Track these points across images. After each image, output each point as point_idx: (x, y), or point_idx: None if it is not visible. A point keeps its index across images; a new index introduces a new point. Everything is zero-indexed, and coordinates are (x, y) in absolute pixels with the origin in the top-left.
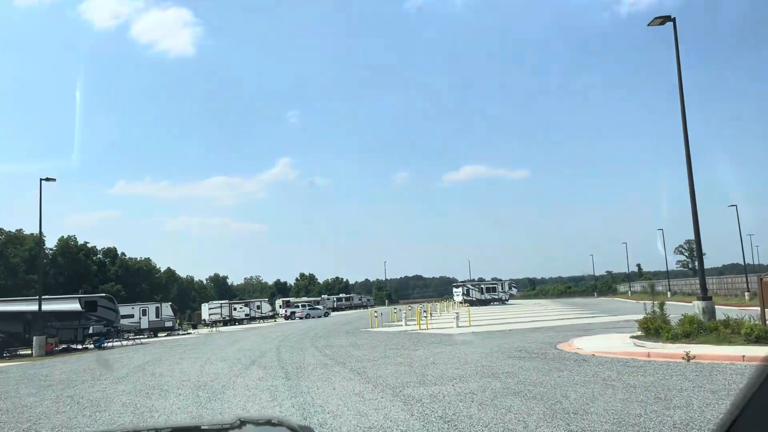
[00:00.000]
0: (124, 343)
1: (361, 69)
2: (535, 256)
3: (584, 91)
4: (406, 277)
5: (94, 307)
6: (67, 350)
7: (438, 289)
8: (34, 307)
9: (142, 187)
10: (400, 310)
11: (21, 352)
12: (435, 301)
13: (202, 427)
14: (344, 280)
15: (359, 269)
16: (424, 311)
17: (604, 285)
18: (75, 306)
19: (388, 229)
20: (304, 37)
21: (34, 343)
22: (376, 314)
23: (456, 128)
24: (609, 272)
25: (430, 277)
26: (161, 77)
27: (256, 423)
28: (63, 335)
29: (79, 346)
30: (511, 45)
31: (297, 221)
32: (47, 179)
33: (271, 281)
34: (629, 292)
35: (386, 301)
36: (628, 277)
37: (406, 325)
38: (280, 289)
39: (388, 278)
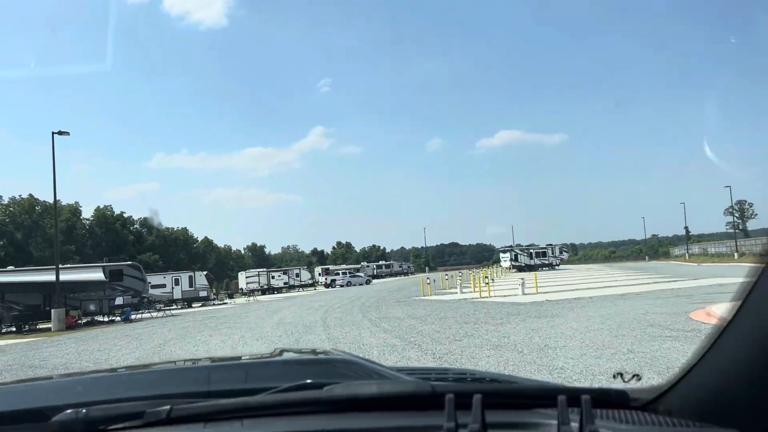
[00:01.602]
0: (154, 314)
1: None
2: (572, 222)
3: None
4: (442, 244)
5: (119, 276)
6: (91, 323)
7: (475, 257)
8: (64, 276)
9: (179, 160)
10: (451, 276)
11: (41, 326)
12: (475, 268)
13: (243, 359)
14: (381, 248)
15: (395, 237)
16: (487, 278)
17: (650, 249)
18: (98, 275)
19: (422, 197)
20: (335, 4)
21: (52, 316)
22: (428, 281)
23: (492, 92)
24: (655, 236)
25: (467, 244)
26: (195, 49)
27: (299, 352)
28: (87, 307)
29: (105, 319)
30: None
31: (332, 190)
32: (60, 133)
33: (308, 250)
34: (686, 254)
35: (426, 268)
36: (679, 240)
37: (462, 292)
38: (318, 257)
39: (423, 246)
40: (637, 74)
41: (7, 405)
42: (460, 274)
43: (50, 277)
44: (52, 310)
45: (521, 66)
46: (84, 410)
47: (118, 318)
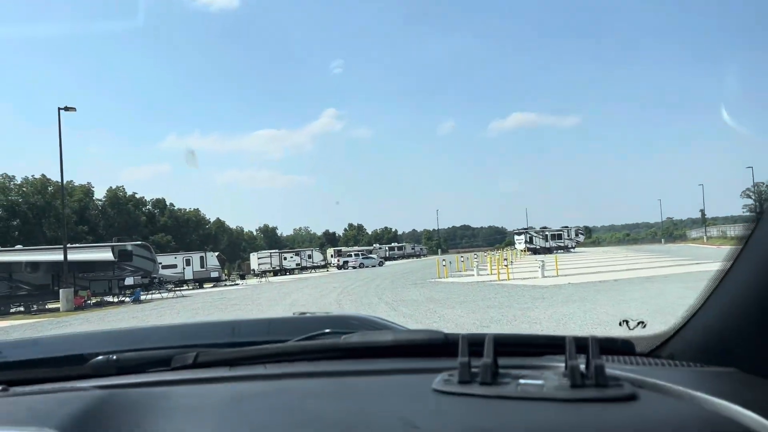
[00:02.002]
0: (164, 295)
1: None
2: (585, 205)
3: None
4: (453, 226)
5: (129, 256)
6: (101, 304)
7: (487, 239)
8: (72, 256)
9: (192, 141)
10: (466, 258)
11: (50, 306)
12: (489, 250)
13: (261, 318)
14: (393, 230)
15: (406, 219)
16: (506, 260)
17: (665, 232)
18: (107, 255)
19: (434, 180)
20: None
21: (60, 296)
22: (444, 263)
23: (505, 74)
24: (670, 218)
25: (478, 226)
26: (207, 30)
27: (316, 315)
28: (96, 287)
29: (114, 300)
30: None
31: (344, 172)
32: (66, 108)
33: (319, 232)
34: (704, 237)
35: (439, 250)
36: (693, 223)
37: (479, 275)
38: (329, 239)
39: (435, 228)
40: (654, 53)
41: (48, 351)
42: (475, 256)
43: (59, 256)
44: (60, 290)
45: (534, 47)
46: (115, 356)
47: (128, 299)
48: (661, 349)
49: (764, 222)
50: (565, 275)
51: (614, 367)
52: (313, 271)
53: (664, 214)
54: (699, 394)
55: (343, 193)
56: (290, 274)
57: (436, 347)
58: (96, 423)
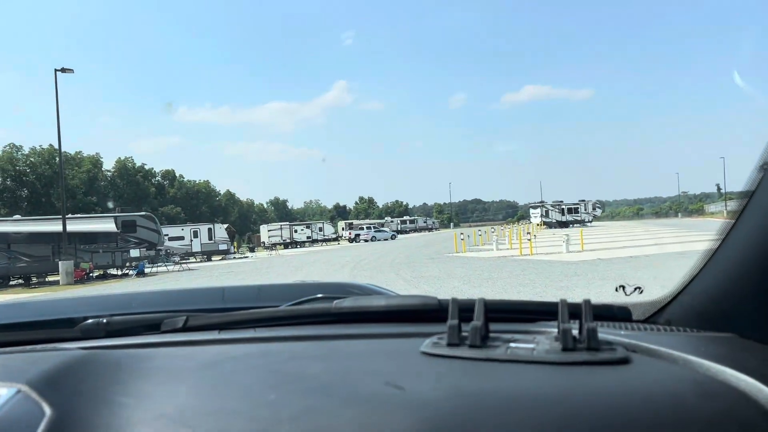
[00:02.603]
0: (170, 268)
1: None
2: (597, 178)
3: None
4: (464, 200)
5: (132, 227)
6: (103, 277)
7: (498, 213)
8: (72, 227)
9: (203, 113)
10: (484, 232)
11: (51, 279)
12: (504, 224)
13: (253, 284)
14: (404, 203)
15: (417, 193)
16: (529, 233)
17: (678, 206)
18: (110, 226)
19: (445, 153)
20: None
21: (60, 269)
22: (462, 236)
23: (518, 46)
24: (685, 192)
25: (489, 200)
26: (218, 1)
27: (310, 282)
28: (99, 260)
29: (118, 272)
30: None
31: (354, 145)
32: (63, 70)
33: (330, 205)
34: (725, 211)
35: (451, 224)
36: (707, 197)
37: (498, 249)
38: (340, 212)
39: (446, 202)
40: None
41: (37, 314)
42: (492, 229)
43: (59, 227)
44: (60, 263)
45: (549, 19)
46: (105, 320)
47: (132, 272)
48: (659, 315)
49: (763, 186)
50: (591, 250)
51: (608, 332)
52: (324, 244)
53: (677, 188)
54: (694, 358)
55: (354, 166)
56: (301, 247)
57: (429, 312)
58: (73, 380)
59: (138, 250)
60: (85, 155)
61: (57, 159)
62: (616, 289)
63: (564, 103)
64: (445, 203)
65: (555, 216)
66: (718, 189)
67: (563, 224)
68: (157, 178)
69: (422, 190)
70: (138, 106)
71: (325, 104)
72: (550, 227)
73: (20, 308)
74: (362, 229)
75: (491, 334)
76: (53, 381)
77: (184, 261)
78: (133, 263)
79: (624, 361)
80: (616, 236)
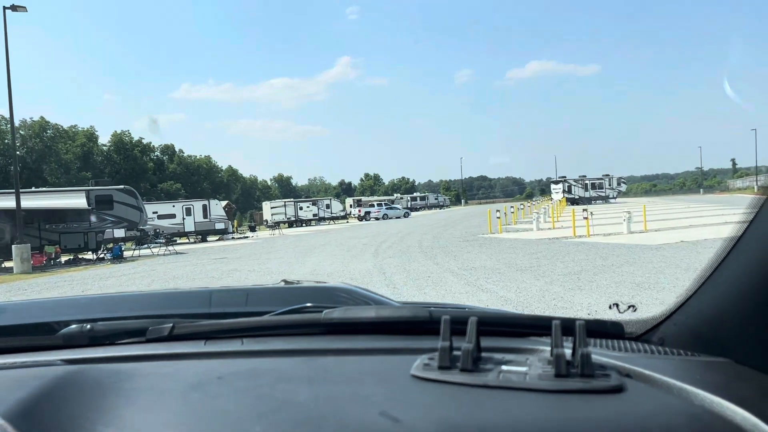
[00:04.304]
0: (156, 251)
1: None
2: (605, 155)
3: None
4: (470, 177)
5: (108, 203)
6: (74, 262)
7: (504, 190)
8: (31, 203)
9: (206, 90)
10: (518, 208)
11: (7, 265)
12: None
13: (246, 286)
14: (411, 180)
15: (422, 169)
16: (586, 211)
17: (693, 182)
18: (80, 201)
19: (450, 129)
20: None
21: (13, 254)
22: (497, 214)
23: (523, 21)
24: (699, 168)
25: (495, 177)
26: None
27: (300, 286)
28: (69, 242)
29: (92, 257)
30: None
31: (358, 122)
32: (12, 8)
33: (334, 182)
34: (755, 186)
35: (462, 201)
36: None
37: (539, 229)
38: (345, 189)
39: (452, 179)
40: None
41: (18, 318)
42: (521, 206)
43: (25, 201)
44: (13, 247)
45: None
46: (89, 325)
47: (109, 255)
48: (652, 333)
49: (764, 211)
50: (656, 230)
51: (602, 353)
52: (331, 222)
53: (687, 165)
54: (689, 387)
55: (359, 143)
56: (306, 225)
57: (420, 325)
58: (53, 408)
59: (115, 230)
60: (80, 129)
61: (48, 132)
62: (610, 307)
63: (570, 78)
64: (449, 180)
65: (578, 192)
66: (734, 164)
67: (587, 200)
68: (156, 153)
69: (428, 166)
70: (142, 82)
71: (328, 80)
72: (574, 203)
73: (1, 312)
74: (372, 206)
75: (483, 354)
76: (30, 411)
77: (172, 242)
78: (110, 245)
79: (618, 389)
80: (663, 213)
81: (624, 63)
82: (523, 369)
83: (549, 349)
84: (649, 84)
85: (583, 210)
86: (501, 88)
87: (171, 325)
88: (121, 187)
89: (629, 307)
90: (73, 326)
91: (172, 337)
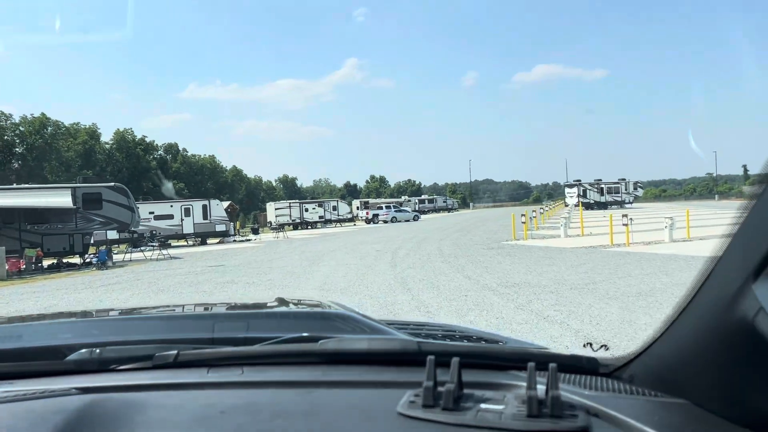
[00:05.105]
0: (148, 254)
1: None
2: (610, 160)
3: None
4: (476, 180)
5: (96, 202)
6: (57, 267)
7: (509, 194)
8: (11, 201)
9: (213, 90)
10: (538, 213)
11: None
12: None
13: (240, 303)
14: (417, 182)
15: (428, 172)
16: (626, 217)
17: (703, 188)
18: (64, 200)
19: (456, 132)
20: None
21: None
22: (523, 219)
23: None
24: (710, 174)
25: (501, 181)
26: None
27: (297, 304)
28: (52, 245)
29: (78, 261)
30: None
31: (364, 124)
32: None
33: (340, 184)
34: None
35: (470, 204)
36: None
37: (567, 236)
38: (350, 191)
39: (457, 182)
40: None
41: (27, 341)
42: (542, 209)
43: (7, 200)
44: None
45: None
46: (98, 350)
47: (96, 260)
48: (623, 370)
49: (726, 256)
50: (700, 238)
51: (573, 391)
52: (338, 224)
53: (692, 171)
54: (648, 429)
55: (364, 145)
56: (312, 227)
57: (408, 356)
58: None
59: (107, 232)
60: (82, 126)
61: (48, 129)
62: (584, 346)
63: (577, 82)
64: (456, 183)
65: (593, 196)
66: (745, 170)
67: (601, 205)
68: (159, 152)
69: (433, 169)
70: (149, 83)
71: (335, 82)
72: (588, 208)
73: (13, 335)
74: (380, 208)
75: (465, 391)
76: None
77: (167, 246)
78: (100, 248)
79: (584, 430)
80: (695, 219)
81: (631, 68)
82: (500, 407)
83: (525, 386)
84: (656, 89)
85: (623, 216)
86: (507, 92)
87: (176, 352)
88: (111, 184)
89: (601, 346)
90: (83, 351)
91: (177, 364)
